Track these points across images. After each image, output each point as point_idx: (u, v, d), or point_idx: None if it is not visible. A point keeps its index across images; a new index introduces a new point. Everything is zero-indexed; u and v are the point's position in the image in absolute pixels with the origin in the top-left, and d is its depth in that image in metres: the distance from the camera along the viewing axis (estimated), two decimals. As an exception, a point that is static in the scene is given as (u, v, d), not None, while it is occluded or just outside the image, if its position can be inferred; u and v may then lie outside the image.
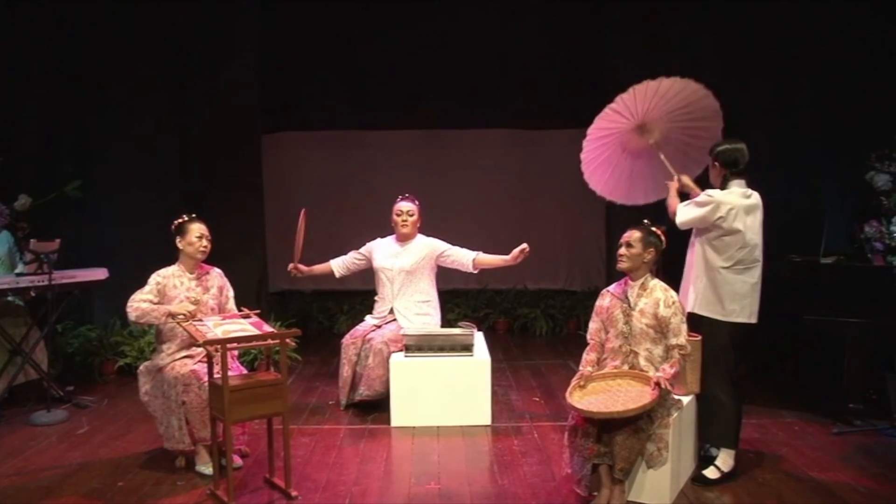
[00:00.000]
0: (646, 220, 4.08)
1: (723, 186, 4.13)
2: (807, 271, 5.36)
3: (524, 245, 5.26)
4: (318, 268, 5.73)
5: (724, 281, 4.08)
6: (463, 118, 8.24)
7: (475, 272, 5.65)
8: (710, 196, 4.06)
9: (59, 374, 6.08)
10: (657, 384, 3.73)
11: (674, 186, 4.44)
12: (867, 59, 6.23)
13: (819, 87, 6.52)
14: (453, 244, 5.63)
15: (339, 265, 5.76)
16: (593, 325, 4.18)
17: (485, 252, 5.54)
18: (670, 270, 4.27)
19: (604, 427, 3.71)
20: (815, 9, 6.45)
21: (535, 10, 7.82)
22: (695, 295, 4.15)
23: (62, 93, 6.69)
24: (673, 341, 3.89)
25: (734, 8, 6.76)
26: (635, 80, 6.91)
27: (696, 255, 4.18)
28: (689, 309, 4.13)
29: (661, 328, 3.91)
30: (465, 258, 5.54)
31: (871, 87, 6.16)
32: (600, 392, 3.87)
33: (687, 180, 4.51)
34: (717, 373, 4.12)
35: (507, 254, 5.33)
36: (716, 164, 4.17)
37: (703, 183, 4.38)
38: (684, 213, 4.14)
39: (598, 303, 4.19)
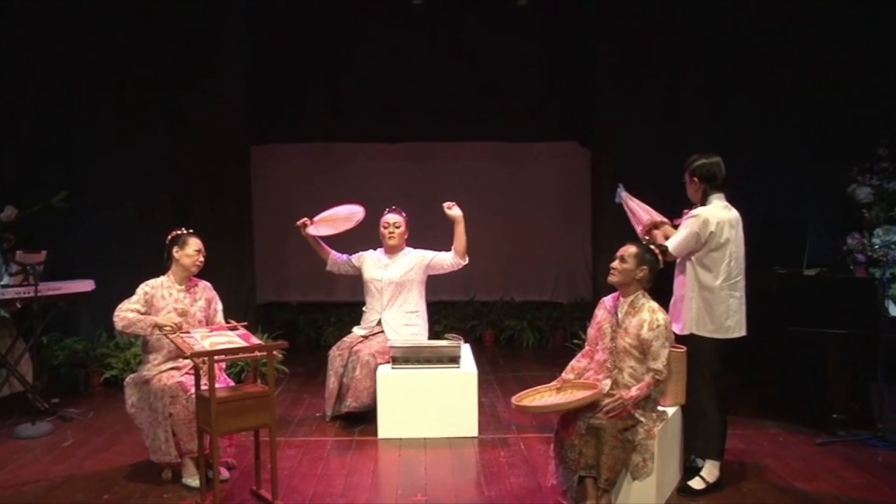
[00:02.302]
0: (646, 238, 4.08)
1: (703, 201, 4.11)
2: (790, 283, 5.41)
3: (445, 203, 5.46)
4: (320, 244, 5.71)
5: (719, 299, 4.06)
6: (449, 131, 8.27)
7: (466, 261, 5.59)
8: (696, 214, 4.04)
9: (45, 387, 6.04)
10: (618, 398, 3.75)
11: (660, 235, 4.30)
12: (850, 73, 6.31)
13: (802, 101, 6.61)
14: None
15: (332, 260, 5.76)
16: (590, 331, 4.17)
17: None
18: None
19: (589, 438, 3.73)
20: (799, 24, 6.54)
21: (522, 23, 7.86)
22: (689, 316, 4.11)
23: (49, 104, 6.67)
24: (651, 365, 3.82)
25: (719, 22, 6.84)
26: (621, 92, 7.06)
27: (686, 277, 4.13)
28: (685, 331, 4.11)
29: (643, 349, 3.85)
30: (449, 258, 5.57)
31: (854, 101, 6.24)
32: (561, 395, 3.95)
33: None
34: (704, 385, 4.12)
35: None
36: (694, 179, 4.13)
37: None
38: (675, 240, 4.08)
39: (595, 311, 4.18)
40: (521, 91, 8.20)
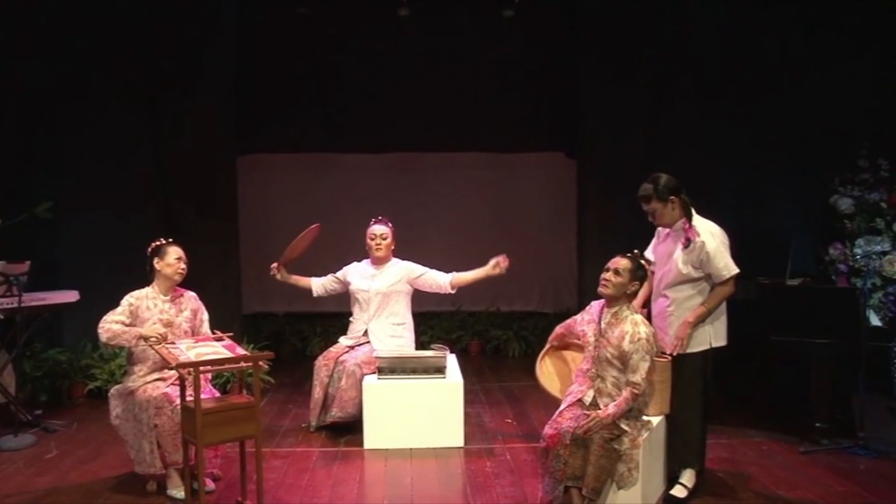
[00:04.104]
0: (636, 250, 4.06)
1: (690, 215, 4.08)
2: (773, 293, 5.45)
3: (503, 256, 5.30)
4: (298, 279, 5.75)
5: (723, 308, 4.15)
6: (436, 141, 8.30)
7: (453, 293, 5.63)
8: (711, 233, 4.03)
9: (28, 398, 6.00)
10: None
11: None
12: (831, 85, 6.39)
13: (785, 112, 6.67)
14: (428, 267, 5.67)
15: (317, 284, 5.79)
16: (578, 318, 4.21)
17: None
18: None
19: (575, 448, 3.74)
20: (781, 36, 6.62)
21: (509, 34, 7.91)
22: (705, 333, 4.11)
23: (33, 113, 6.65)
24: (629, 377, 3.82)
25: (703, 35, 6.90)
26: (606, 103, 7.11)
27: (697, 299, 4.11)
28: (702, 347, 4.10)
29: (624, 360, 3.85)
30: (440, 280, 5.55)
31: (835, 113, 6.31)
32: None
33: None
34: (695, 396, 4.15)
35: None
36: (671, 199, 4.06)
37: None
38: (725, 262, 4.00)
39: (582, 313, 4.19)
40: (508, 102, 8.24)
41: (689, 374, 4.14)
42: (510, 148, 8.50)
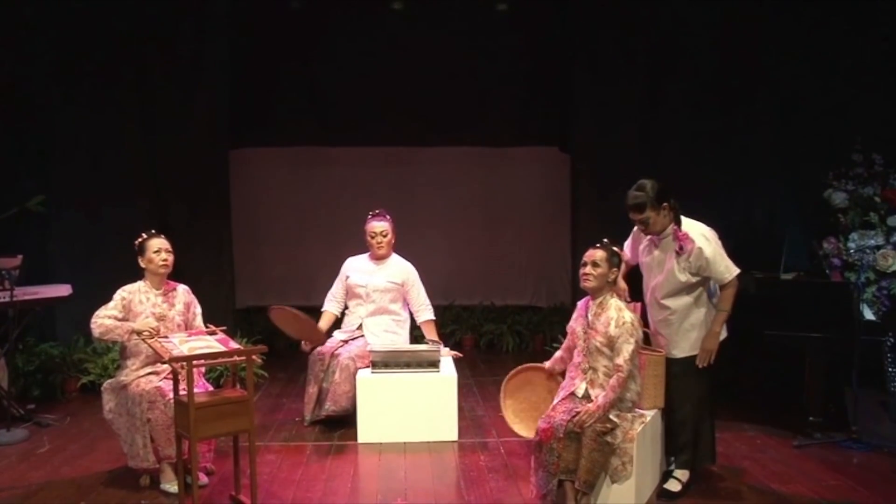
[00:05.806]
0: (605, 239, 4.07)
1: (679, 220, 4.07)
2: (767, 287, 5.45)
3: (458, 355, 5.63)
4: (325, 324, 5.69)
5: None
6: (429, 135, 8.26)
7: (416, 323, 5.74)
8: (705, 237, 4.03)
9: (20, 392, 5.98)
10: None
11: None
12: (823, 80, 6.39)
13: (778, 107, 6.68)
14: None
15: (335, 306, 5.75)
16: (569, 326, 4.22)
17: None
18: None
19: (568, 442, 3.75)
20: (771, 32, 6.61)
21: (501, 27, 7.89)
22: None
23: (24, 107, 6.61)
24: (615, 360, 3.86)
25: (694, 30, 6.89)
26: (599, 98, 7.10)
27: (701, 303, 4.13)
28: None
29: (612, 347, 3.89)
30: (418, 309, 5.65)
31: (828, 107, 6.31)
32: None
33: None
34: (705, 394, 4.19)
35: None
36: (664, 205, 4.01)
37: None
38: (726, 264, 4.02)
39: (575, 311, 4.22)
40: (502, 96, 8.22)
41: (699, 373, 4.15)
42: (504, 142, 8.49)
